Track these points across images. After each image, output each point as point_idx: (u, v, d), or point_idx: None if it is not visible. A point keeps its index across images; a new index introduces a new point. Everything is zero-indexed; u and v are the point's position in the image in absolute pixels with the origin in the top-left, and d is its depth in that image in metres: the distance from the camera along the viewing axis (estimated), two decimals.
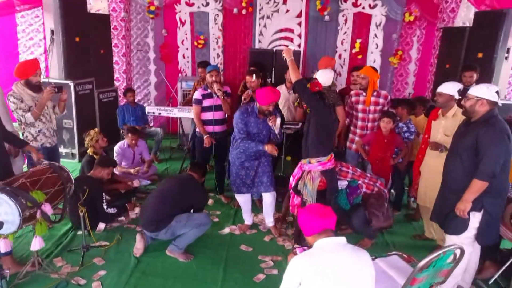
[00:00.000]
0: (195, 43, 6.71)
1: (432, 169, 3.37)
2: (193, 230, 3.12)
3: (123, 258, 3.25)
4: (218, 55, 6.77)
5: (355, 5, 6.42)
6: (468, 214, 2.65)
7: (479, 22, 5.07)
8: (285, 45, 6.54)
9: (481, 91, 2.59)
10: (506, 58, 4.96)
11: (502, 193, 2.70)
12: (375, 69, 4.10)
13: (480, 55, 4.98)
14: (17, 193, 2.36)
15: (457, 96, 3.26)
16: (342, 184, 3.43)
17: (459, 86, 3.33)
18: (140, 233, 3.31)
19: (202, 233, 3.21)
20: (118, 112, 5.87)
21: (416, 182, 3.67)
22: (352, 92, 4.10)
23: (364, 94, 3.97)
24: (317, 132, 3.06)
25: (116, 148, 4.84)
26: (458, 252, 2.24)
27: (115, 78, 6.53)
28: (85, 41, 5.48)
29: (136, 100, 5.96)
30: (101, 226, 3.67)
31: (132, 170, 4.62)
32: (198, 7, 6.57)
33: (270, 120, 3.32)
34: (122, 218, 3.90)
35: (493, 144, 2.49)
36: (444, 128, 3.30)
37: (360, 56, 6.61)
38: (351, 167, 3.52)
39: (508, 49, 4.92)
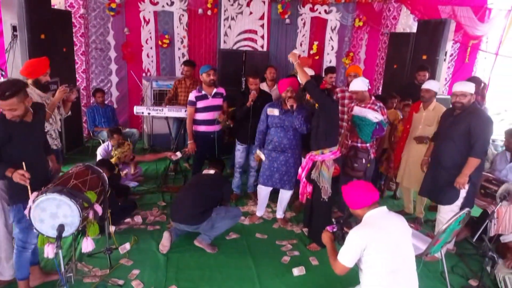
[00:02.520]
0: (160, 43, 6.65)
1: (414, 154, 3.97)
2: (229, 221, 3.30)
3: (149, 257, 3.27)
4: (183, 55, 6.79)
5: (312, 10, 6.99)
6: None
7: (422, 29, 5.96)
8: (250, 46, 6.86)
9: (472, 88, 3.19)
10: (445, 60, 5.91)
11: (482, 167, 3.40)
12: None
13: (424, 57, 5.86)
14: (75, 194, 2.31)
15: (439, 93, 3.94)
16: (377, 116, 3.59)
17: (440, 84, 4.02)
18: (168, 231, 3.35)
19: (234, 224, 3.39)
20: (88, 113, 5.62)
21: (397, 166, 4.26)
22: (337, 89, 4.56)
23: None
24: (327, 125, 3.43)
25: (100, 150, 4.65)
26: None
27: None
28: (49, 38, 5.11)
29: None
30: (112, 228, 3.58)
31: (121, 173, 4.52)
32: (163, 6, 6.52)
33: (288, 102, 3.54)
34: (128, 219, 3.84)
35: (484, 130, 3.14)
36: (425, 119, 3.92)
37: (317, 57, 7.21)
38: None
39: (446, 52, 5.87)
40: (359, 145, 3.78)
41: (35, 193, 2.30)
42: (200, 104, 4.22)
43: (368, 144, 3.79)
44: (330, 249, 2.47)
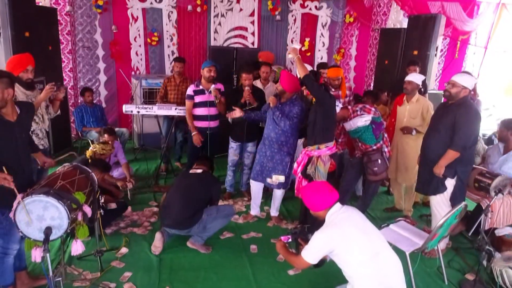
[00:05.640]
0: (149, 40, 6.53)
1: (403, 149, 3.95)
2: (221, 220, 3.23)
3: (142, 258, 3.19)
4: (173, 53, 6.68)
5: (302, 6, 6.95)
6: (444, 177, 3.23)
7: (413, 25, 5.95)
8: (240, 43, 6.79)
9: (467, 81, 3.12)
10: (435, 55, 5.91)
11: (471, 163, 3.38)
12: (338, 66, 4.66)
13: (415, 52, 5.85)
14: (62, 196, 2.21)
15: (421, 85, 3.93)
16: (366, 119, 3.54)
17: (423, 77, 4.01)
18: (160, 232, 3.26)
19: (227, 223, 3.32)
20: (76, 113, 5.49)
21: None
22: None
23: (333, 90, 4.41)
24: (324, 120, 3.39)
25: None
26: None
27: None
28: (34, 36, 4.97)
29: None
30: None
31: (119, 183, 4.23)
32: (151, 3, 6.41)
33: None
34: (116, 222, 3.73)
35: (468, 123, 3.08)
36: (409, 112, 3.92)
37: (308, 54, 7.17)
38: (375, 108, 3.71)
39: (437, 47, 5.87)
40: (373, 147, 3.64)
41: (20, 195, 2.21)
42: (197, 99, 4.18)
43: (381, 143, 3.66)
44: (284, 254, 2.52)
